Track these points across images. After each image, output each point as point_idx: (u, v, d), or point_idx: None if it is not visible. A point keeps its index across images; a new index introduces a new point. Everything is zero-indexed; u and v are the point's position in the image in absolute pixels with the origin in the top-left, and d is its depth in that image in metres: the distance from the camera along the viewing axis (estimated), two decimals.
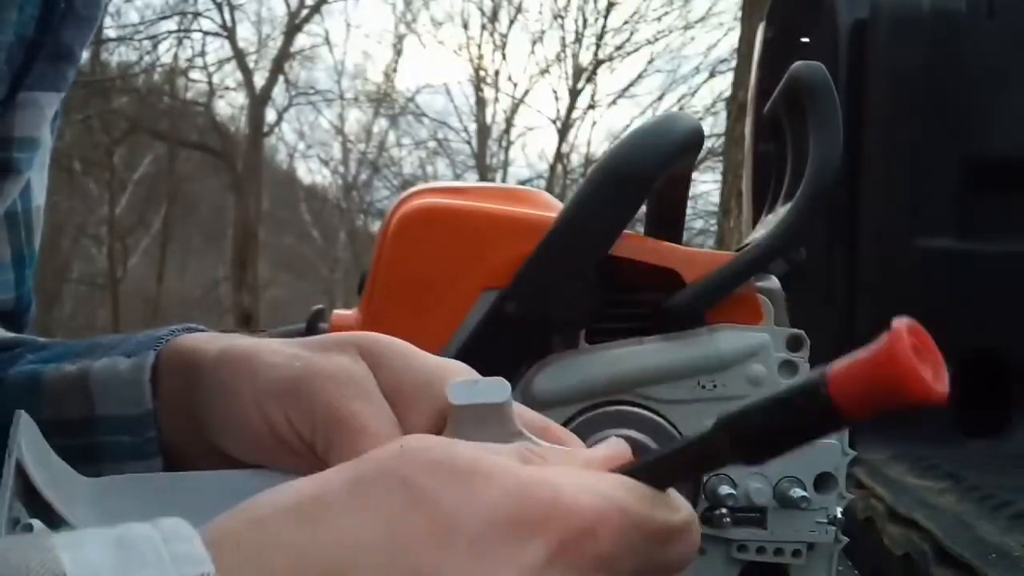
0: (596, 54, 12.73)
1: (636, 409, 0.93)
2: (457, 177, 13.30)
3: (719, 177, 7.77)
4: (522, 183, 8.65)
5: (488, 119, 13.48)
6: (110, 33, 11.23)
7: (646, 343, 0.94)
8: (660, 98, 12.41)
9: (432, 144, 13.73)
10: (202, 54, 12.55)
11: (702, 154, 1.12)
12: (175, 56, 12.41)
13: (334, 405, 0.36)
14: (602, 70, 13.06)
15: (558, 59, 13.07)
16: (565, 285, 0.92)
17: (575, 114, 12.84)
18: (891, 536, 1.11)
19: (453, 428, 0.35)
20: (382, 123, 14.13)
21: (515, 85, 13.77)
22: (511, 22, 13.37)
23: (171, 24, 11.85)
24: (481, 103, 13.54)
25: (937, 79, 1.54)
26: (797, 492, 0.88)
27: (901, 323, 0.25)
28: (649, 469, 0.30)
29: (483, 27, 13.42)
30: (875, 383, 0.24)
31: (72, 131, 10.44)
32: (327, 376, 0.37)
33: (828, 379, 0.25)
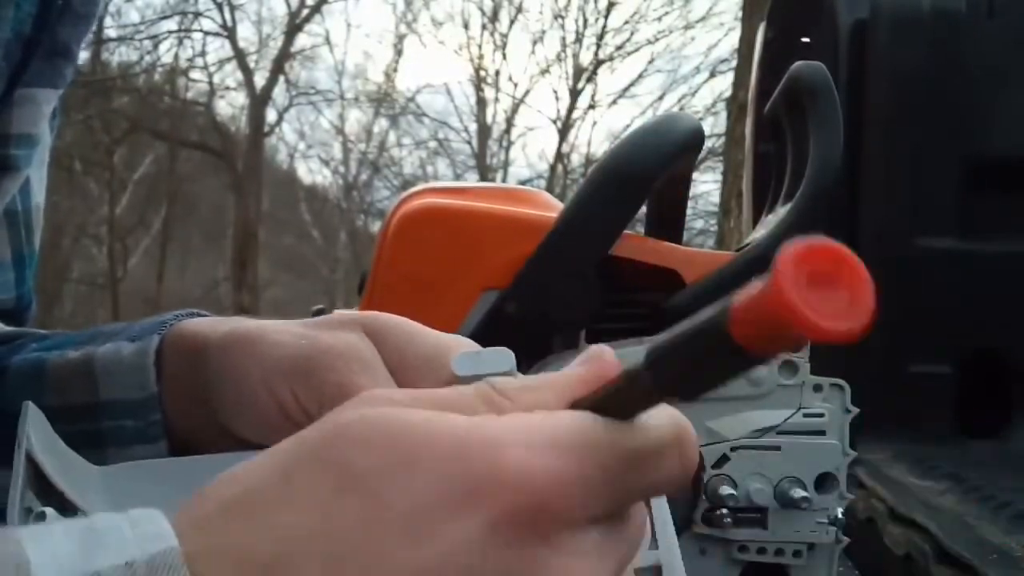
0: (596, 54, 12.73)
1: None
2: (457, 177, 13.30)
3: (719, 177, 7.77)
4: (522, 183, 8.65)
5: (488, 119, 13.48)
6: (111, 33, 11.25)
7: (646, 343, 0.94)
8: (660, 98, 12.40)
9: (432, 144, 13.73)
10: (203, 54, 12.56)
11: (702, 154, 1.12)
12: (176, 56, 12.43)
13: (341, 381, 0.37)
14: (602, 70, 13.06)
15: (558, 59, 13.07)
16: (565, 285, 0.92)
17: (575, 114, 12.85)
18: (892, 536, 1.11)
19: None
20: (382, 123, 14.13)
21: (515, 85, 13.76)
22: (511, 22, 13.37)
23: (172, 24, 11.87)
24: (481, 103, 13.54)
25: (937, 79, 1.54)
26: (798, 492, 0.88)
27: (791, 249, 0.21)
28: (612, 400, 0.28)
29: (483, 27, 13.42)
30: (766, 321, 0.21)
31: (72, 131, 10.44)
32: (334, 353, 0.38)
33: (729, 316, 0.23)
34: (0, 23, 0.42)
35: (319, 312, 1.34)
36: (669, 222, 1.17)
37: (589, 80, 12.82)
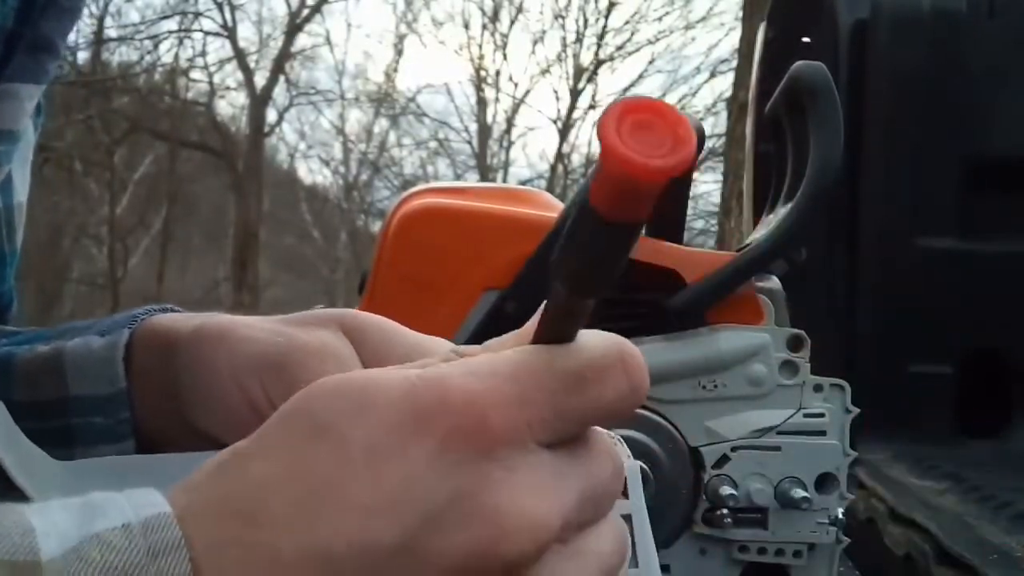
0: (597, 54, 12.74)
1: (637, 409, 0.93)
2: (458, 177, 13.30)
3: (720, 177, 7.76)
4: (523, 183, 8.65)
5: (489, 119, 13.49)
6: (111, 33, 11.26)
7: (647, 343, 0.94)
8: (661, 98, 12.40)
9: (433, 144, 13.75)
10: (203, 54, 12.57)
11: (703, 154, 1.12)
12: (176, 56, 12.43)
13: (314, 380, 0.36)
14: (603, 70, 13.08)
15: (559, 59, 13.09)
16: None
17: (576, 114, 12.85)
18: (892, 536, 1.11)
19: None
20: (383, 123, 14.14)
21: (516, 85, 13.79)
22: (512, 22, 13.39)
23: (172, 24, 11.87)
24: (482, 103, 13.55)
25: (937, 79, 1.54)
26: (798, 493, 0.88)
27: (611, 106, 0.22)
28: (546, 327, 0.29)
29: (484, 27, 13.44)
30: (607, 180, 0.23)
31: (73, 131, 10.44)
32: (308, 350, 0.37)
33: (589, 192, 0.24)
34: None
35: None
36: (669, 222, 1.16)
37: (590, 80, 12.83)
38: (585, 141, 13.20)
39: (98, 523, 0.25)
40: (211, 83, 12.76)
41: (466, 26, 14.36)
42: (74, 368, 0.42)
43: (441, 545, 0.26)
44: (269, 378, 0.37)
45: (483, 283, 0.97)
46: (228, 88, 13.25)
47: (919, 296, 1.51)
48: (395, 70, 14.47)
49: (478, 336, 0.94)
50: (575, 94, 12.83)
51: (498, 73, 13.51)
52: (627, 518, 0.35)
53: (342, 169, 14.45)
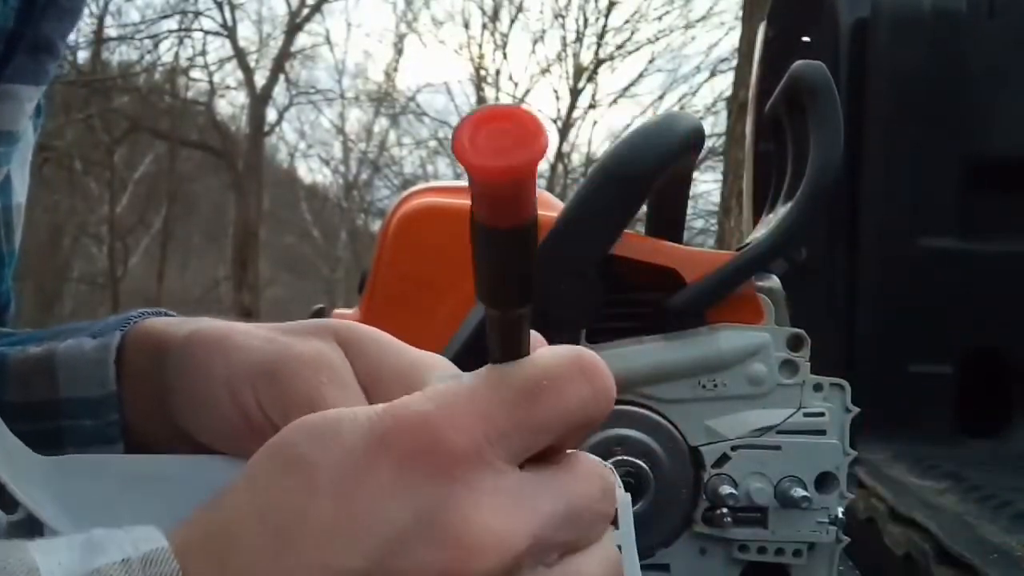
0: (597, 53, 12.74)
1: (637, 408, 0.93)
2: (458, 177, 13.26)
3: (720, 176, 7.76)
4: None
5: None
6: (111, 32, 11.26)
7: (646, 342, 0.94)
8: (661, 97, 12.41)
9: (433, 143, 13.74)
10: (203, 53, 12.57)
11: (703, 153, 1.12)
12: (176, 55, 12.43)
13: (308, 390, 0.35)
14: (603, 69, 13.07)
15: (559, 58, 13.09)
16: (565, 285, 0.92)
17: (576, 113, 12.86)
18: (892, 536, 1.11)
19: None
20: (383, 122, 14.14)
21: (516, 84, 13.76)
22: (512, 21, 13.39)
23: (172, 23, 11.88)
24: (482, 102, 13.52)
25: (937, 79, 1.54)
26: (798, 492, 0.88)
27: (465, 120, 0.23)
28: (495, 347, 0.30)
29: (484, 26, 13.44)
30: (474, 187, 0.24)
31: (73, 130, 10.44)
32: (304, 361, 0.36)
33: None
34: None
35: (319, 311, 1.35)
36: (669, 221, 1.16)
37: (589, 79, 12.83)
38: (585, 141, 13.21)
39: (98, 559, 0.26)
40: (211, 82, 12.78)
41: (466, 25, 14.38)
42: (65, 370, 0.42)
43: (408, 567, 0.26)
44: (262, 386, 0.36)
45: None
46: (228, 87, 13.27)
47: (919, 296, 1.51)
48: (395, 69, 14.48)
49: (478, 336, 0.94)
50: (575, 93, 12.84)
51: (498, 72, 13.52)
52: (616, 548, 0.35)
53: (342, 168, 14.45)
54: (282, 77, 12.82)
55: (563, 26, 13.05)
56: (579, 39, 12.78)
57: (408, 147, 14.23)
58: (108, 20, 11.33)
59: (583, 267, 0.93)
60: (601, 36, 12.62)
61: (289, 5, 12.81)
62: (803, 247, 0.99)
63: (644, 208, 1.15)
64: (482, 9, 13.46)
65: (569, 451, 0.31)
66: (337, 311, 1.13)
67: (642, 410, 0.93)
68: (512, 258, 0.26)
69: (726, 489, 0.90)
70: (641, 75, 12.86)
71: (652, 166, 0.93)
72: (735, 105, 6.18)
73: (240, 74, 12.78)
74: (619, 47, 12.68)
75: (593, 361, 0.30)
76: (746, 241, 1.12)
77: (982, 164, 1.53)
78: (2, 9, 0.41)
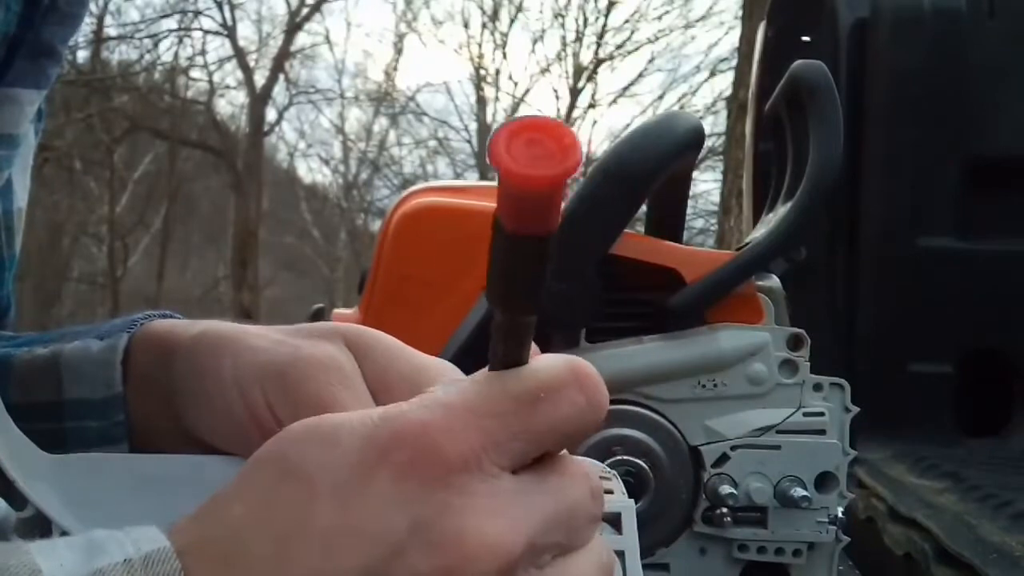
0: (597, 53, 12.73)
1: (637, 408, 0.93)
2: (458, 176, 13.30)
3: (719, 176, 7.76)
4: None
5: (489, 118, 13.49)
6: (111, 32, 11.26)
7: (646, 342, 0.94)
8: (661, 97, 12.42)
9: (432, 143, 13.76)
10: (203, 53, 12.58)
11: (702, 153, 1.12)
12: (175, 55, 12.44)
13: (318, 392, 0.36)
14: (603, 69, 13.06)
15: (559, 58, 13.08)
16: (565, 284, 0.92)
17: (576, 113, 12.85)
18: (892, 536, 1.11)
19: None
20: (382, 122, 14.15)
21: (516, 84, 13.80)
22: (512, 21, 13.39)
23: (172, 23, 11.88)
24: (482, 102, 13.55)
25: (937, 79, 1.54)
26: (798, 492, 0.88)
27: (503, 128, 0.24)
28: (496, 353, 0.30)
29: (484, 26, 13.44)
30: (504, 193, 0.24)
31: (73, 130, 10.44)
32: (313, 362, 0.36)
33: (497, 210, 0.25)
34: None
35: (319, 311, 1.35)
36: (669, 221, 1.17)
37: (589, 79, 12.83)
38: (585, 140, 13.20)
39: (99, 560, 0.26)
40: (211, 82, 12.78)
41: (466, 25, 14.38)
42: (70, 371, 0.42)
43: (406, 573, 0.27)
44: (272, 388, 0.37)
45: (483, 282, 0.97)
46: (228, 87, 13.28)
47: (919, 296, 1.51)
48: (395, 69, 14.48)
49: (477, 336, 0.94)
50: (575, 93, 12.83)
51: (498, 72, 13.53)
52: (620, 554, 0.35)
53: (342, 168, 14.46)
54: (282, 77, 12.84)
55: (563, 26, 13.05)
56: (579, 39, 12.79)
57: (408, 147, 14.25)
58: (108, 19, 11.34)
59: (583, 267, 0.93)
60: (601, 36, 12.63)
61: (289, 5, 12.83)
62: (803, 247, 0.99)
63: (644, 208, 1.15)
64: (482, 9, 13.47)
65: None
66: (337, 311, 1.13)
67: (642, 410, 0.93)
68: (529, 265, 0.26)
69: (726, 489, 0.90)
70: (641, 75, 12.87)
71: (652, 166, 0.93)
72: (735, 105, 6.18)
73: (240, 73, 12.80)
74: (619, 47, 12.69)
75: (588, 372, 0.31)
76: (746, 241, 1.12)
77: (982, 164, 1.53)
78: (4, 15, 0.41)
